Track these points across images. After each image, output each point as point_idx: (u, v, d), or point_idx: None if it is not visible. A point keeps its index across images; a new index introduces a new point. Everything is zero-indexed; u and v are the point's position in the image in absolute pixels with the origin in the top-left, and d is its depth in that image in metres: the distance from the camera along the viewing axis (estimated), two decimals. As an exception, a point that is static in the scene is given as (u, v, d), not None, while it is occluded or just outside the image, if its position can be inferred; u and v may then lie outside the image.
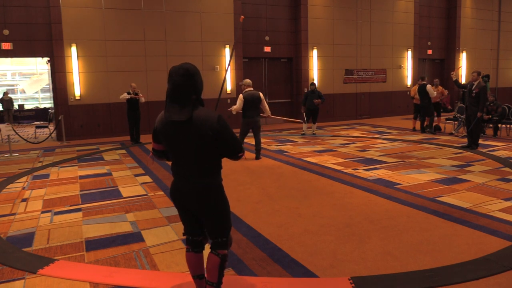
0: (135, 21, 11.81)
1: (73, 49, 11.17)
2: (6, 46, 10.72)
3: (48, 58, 11.60)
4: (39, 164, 7.98)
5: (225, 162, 2.81)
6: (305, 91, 12.91)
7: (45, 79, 19.19)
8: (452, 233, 3.94)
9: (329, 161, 7.60)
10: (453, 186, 5.64)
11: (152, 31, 12.01)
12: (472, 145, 8.50)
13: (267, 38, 13.88)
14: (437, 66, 18.08)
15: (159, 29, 12.08)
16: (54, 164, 7.93)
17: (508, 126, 10.63)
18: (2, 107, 16.50)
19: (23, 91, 21.87)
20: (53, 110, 13.07)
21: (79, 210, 4.97)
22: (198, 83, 2.47)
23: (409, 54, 16.29)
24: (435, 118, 11.37)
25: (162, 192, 5.66)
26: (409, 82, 16.43)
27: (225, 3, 12.80)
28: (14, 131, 9.70)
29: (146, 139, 10.61)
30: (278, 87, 14.64)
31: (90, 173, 7.02)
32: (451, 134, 10.80)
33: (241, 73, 13.12)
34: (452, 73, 9.19)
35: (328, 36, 14.60)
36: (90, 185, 6.17)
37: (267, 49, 13.94)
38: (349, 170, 6.76)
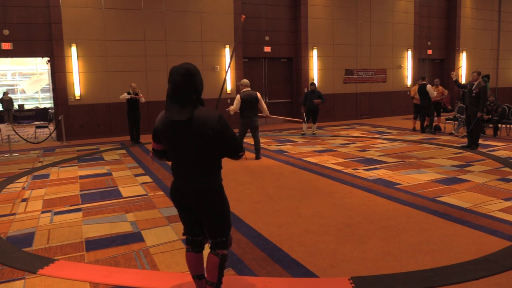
0: (135, 21, 11.81)
1: (73, 49, 11.17)
2: (6, 46, 10.72)
3: (48, 58, 11.60)
4: (39, 164, 7.98)
5: (225, 162, 2.81)
6: (305, 91, 12.91)
7: (45, 79, 19.19)
8: (452, 233, 3.94)
9: (329, 161, 7.61)
10: (453, 186, 5.64)
11: (152, 31, 12.01)
12: (472, 145, 8.50)
13: (267, 38, 13.89)
14: (437, 66, 18.08)
15: (159, 29, 12.08)
16: (54, 164, 7.93)
17: (508, 126, 10.63)
18: (2, 107, 16.50)
19: (23, 91, 21.87)
20: (53, 110, 13.07)
21: (79, 210, 4.97)
22: (199, 83, 2.47)
23: (409, 54, 16.29)
24: (435, 118, 11.37)
25: (162, 192, 5.66)
26: (409, 82, 16.43)
27: (225, 3, 12.81)
28: (14, 131, 9.70)
29: (146, 139, 10.61)
30: (278, 87, 14.64)
31: (90, 173, 7.02)
32: (451, 134, 10.80)
33: (241, 73, 13.12)
34: (452, 73, 9.19)
35: (328, 36, 14.61)
36: (90, 185, 6.17)
37: (267, 49, 13.94)
38: (349, 170, 6.76)
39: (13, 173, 7.16)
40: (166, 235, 4.06)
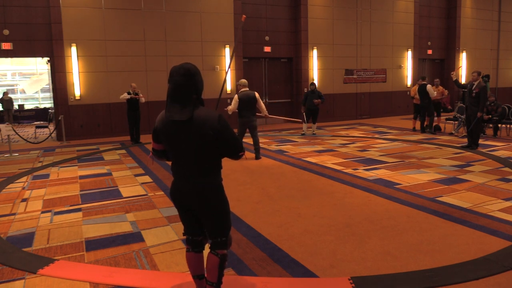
0: (135, 21, 11.82)
1: (73, 49, 11.18)
2: (6, 46, 10.72)
3: (48, 58, 11.60)
4: (39, 164, 7.98)
5: (225, 162, 2.81)
6: (305, 91, 12.92)
7: (45, 79, 19.18)
8: (452, 233, 3.94)
9: (329, 161, 7.60)
10: (453, 186, 5.64)
11: (152, 31, 12.01)
12: (472, 145, 8.50)
13: (267, 38, 13.89)
14: (437, 66, 18.08)
15: (159, 29, 12.08)
16: (54, 164, 7.93)
17: (508, 126, 10.63)
18: (2, 107, 16.50)
19: (23, 91, 21.87)
20: (53, 110, 13.07)
21: (79, 210, 4.97)
22: (199, 83, 2.47)
23: (409, 54, 16.29)
24: (435, 118, 11.37)
25: (162, 192, 5.66)
26: (409, 82, 16.43)
27: (225, 3, 12.81)
28: (14, 131, 9.70)
29: (146, 139, 10.61)
30: (278, 87, 14.64)
31: (90, 173, 7.02)
32: (451, 134, 10.80)
33: (241, 73, 13.12)
34: (452, 73, 9.19)
35: (328, 36, 14.61)
36: (90, 185, 6.17)
37: (267, 49, 13.94)
38: (349, 170, 6.76)
39: (13, 173, 7.16)
40: (166, 235, 4.06)
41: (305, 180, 6.21)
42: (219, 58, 12.92)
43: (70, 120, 11.35)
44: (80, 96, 11.42)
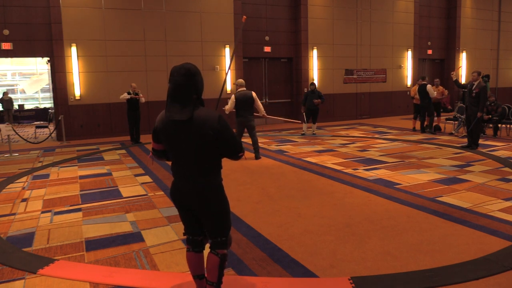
0: (135, 21, 11.82)
1: (73, 49, 11.17)
2: (6, 46, 10.72)
3: (48, 58, 11.60)
4: (39, 164, 7.98)
5: (225, 162, 2.81)
6: (305, 91, 12.91)
7: (45, 79, 19.19)
8: (452, 233, 3.94)
9: (329, 161, 7.60)
10: (453, 186, 5.64)
11: (152, 31, 12.01)
12: (472, 145, 8.50)
13: (267, 38, 13.89)
14: (437, 66, 18.08)
15: (159, 29, 12.08)
16: (54, 164, 7.93)
17: (508, 126, 10.63)
18: (2, 107, 16.50)
19: (23, 91, 21.87)
20: (53, 110, 13.07)
21: (79, 210, 4.97)
22: (199, 83, 2.47)
23: (409, 54, 16.29)
24: (435, 118, 11.37)
25: (162, 192, 5.66)
26: (409, 82, 16.43)
27: (225, 3, 12.81)
28: (14, 131, 9.70)
29: (146, 139, 10.61)
30: (278, 87, 14.64)
31: (90, 173, 7.02)
32: (451, 134, 10.80)
33: (241, 73, 13.13)
34: (452, 73, 9.19)
35: (328, 36, 14.61)
36: (90, 185, 6.17)
37: (267, 49, 13.94)
38: (349, 170, 6.76)
39: (13, 173, 7.16)
40: (166, 235, 4.06)
41: (305, 180, 6.21)
42: (219, 58, 12.92)
43: (70, 120, 11.35)
44: (80, 96, 11.42)
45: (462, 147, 8.64)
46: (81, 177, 6.76)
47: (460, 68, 17.40)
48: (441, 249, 3.57)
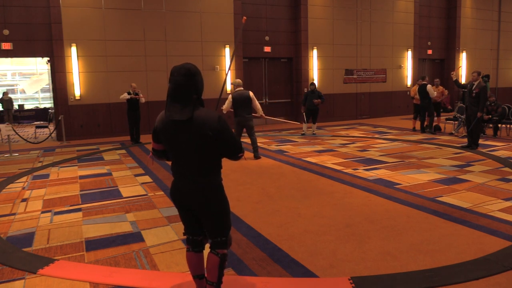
0: (135, 21, 11.82)
1: (73, 49, 11.18)
2: (6, 46, 10.72)
3: (48, 58, 11.60)
4: (39, 164, 7.98)
5: (225, 162, 2.81)
6: (305, 91, 12.91)
7: (45, 79, 19.19)
8: (452, 233, 3.94)
9: (329, 161, 7.60)
10: (453, 186, 5.64)
11: (152, 31, 12.01)
12: (472, 145, 8.50)
13: (267, 38, 13.88)
14: (437, 66, 18.08)
15: (159, 29, 12.08)
16: (54, 164, 7.93)
17: (508, 126, 10.63)
18: (2, 107, 16.50)
19: (23, 91, 21.87)
20: (53, 110, 13.07)
21: (79, 210, 4.97)
22: (199, 83, 2.48)
23: (409, 54, 16.29)
24: (435, 118, 11.37)
25: (162, 192, 5.66)
26: (409, 82, 16.43)
27: (225, 3, 12.80)
28: (14, 131, 9.70)
29: (146, 139, 10.61)
30: (278, 87, 14.64)
31: (90, 173, 7.02)
32: (451, 134, 10.80)
33: (241, 73, 13.13)
34: (452, 73, 9.20)
35: (328, 36, 14.61)
36: (90, 185, 6.17)
37: (267, 49, 13.94)
38: (349, 170, 6.76)
39: (13, 173, 7.16)
40: (166, 235, 4.06)
41: (305, 180, 6.21)
42: (219, 58, 12.92)
43: (70, 120, 11.35)
44: (80, 96, 11.42)
45: (462, 147, 8.64)
46: (81, 177, 6.77)
47: (460, 68, 17.40)
48: (441, 249, 3.57)
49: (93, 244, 3.87)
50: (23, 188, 6.12)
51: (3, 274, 3.30)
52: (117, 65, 11.69)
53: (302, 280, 3.09)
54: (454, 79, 9.05)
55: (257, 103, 7.88)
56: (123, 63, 11.76)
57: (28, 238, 4.07)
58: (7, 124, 9.84)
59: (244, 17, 5.18)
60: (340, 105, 15.09)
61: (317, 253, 3.55)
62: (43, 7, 10.96)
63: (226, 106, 7.89)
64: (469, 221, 4.23)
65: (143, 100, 10.40)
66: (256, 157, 7.92)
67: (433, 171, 6.54)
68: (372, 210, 4.66)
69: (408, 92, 15.71)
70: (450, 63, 17.63)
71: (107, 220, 4.56)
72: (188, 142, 2.42)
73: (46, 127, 13.83)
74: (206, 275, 2.67)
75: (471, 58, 17.98)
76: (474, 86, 8.39)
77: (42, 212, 4.91)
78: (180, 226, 3.96)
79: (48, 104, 19.91)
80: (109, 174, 6.95)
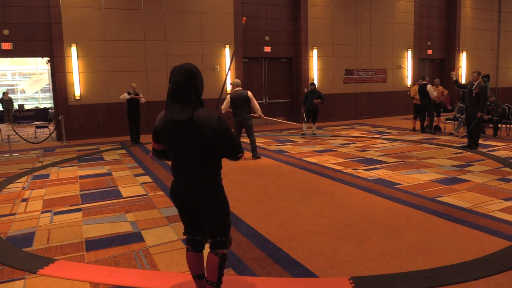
0: (135, 21, 11.82)
1: (73, 49, 11.18)
2: (6, 46, 10.72)
3: (48, 58, 11.60)
4: (39, 164, 7.98)
5: (225, 162, 2.81)
6: (305, 91, 12.91)
7: (45, 79, 19.18)
8: (452, 233, 3.94)
9: (329, 161, 7.60)
10: (453, 186, 5.64)
11: (152, 31, 12.01)
12: (472, 145, 8.50)
13: (267, 38, 13.88)
14: (437, 66, 18.08)
15: (159, 29, 12.08)
16: (54, 164, 7.93)
17: (508, 126, 10.63)
18: (2, 107, 16.50)
19: (23, 91, 21.87)
20: (53, 110, 13.07)
21: (79, 210, 4.97)
22: (199, 83, 2.48)
23: (409, 54, 16.29)
24: (435, 118, 11.37)
25: (162, 192, 5.66)
26: (409, 82, 16.43)
27: (225, 3, 12.81)
28: (14, 131, 9.70)
29: (146, 139, 10.61)
30: (278, 87, 14.64)
31: (90, 173, 7.02)
32: (451, 134, 10.80)
33: (241, 73, 13.13)
34: (452, 73, 9.20)
35: (328, 36, 14.61)
36: (90, 185, 6.17)
37: (267, 49, 13.94)
38: (349, 170, 6.76)
39: (13, 173, 7.16)
40: (166, 235, 4.06)
41: (305, 180, 6.21)
42: (219, 58, 12.92)
43: (70, 120, 11.35)
44: (80, 96, 11.42)
45: (462, 147, 8.64)
46: (81, 177, 6.76)
47: (460, 68, 17.40)
48: (441, 249, 3.57)
49: (93, 244, 3.87)
50: (23, 188, 6.12)
51: (3, 274, 3.30)
52: (117, 65, 11.69)
53: (302, 280, 3.09)
54: (454, 79, 9.05)
55: (255, 103, 7.86)
56: (123, 63, 11.76)
57: (28, 238, 4.07)
58: (7, 124, 9.84)
59: (244, 18, 5.18)
60: (340, 105, 15.09)
61: (317, 253, 3.55)
62: (43, 7, 10.96)
63: (225, 106, 7.91)
64: (469, 221, 4.23)
65: (143, 100, 10.40)
66: (255, 157, 7.92)
67: (433, 171, 6.54)
68: (372, 210, 4.66)
69: (408, 92, 15.71)
70: (450, 63, 17.63)
71: (107, 220, 4.56)
72: (188, 142, 2.42)
73: (46, 127, 13.83)
74: (206, 275, 2.67)
75: (471, 58, 17.98)
76: (474, 86, 8.39)
77: (42, 212, 4.91)
78: (180, 226, 3.96)
79: (48, 104, 19.92)
80: (109, 174, 6.95)
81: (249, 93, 7.78)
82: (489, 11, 18.36)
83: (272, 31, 13.96)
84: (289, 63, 14.70)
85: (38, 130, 13.69)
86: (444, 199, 5.03)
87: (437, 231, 4.00)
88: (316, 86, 11.86)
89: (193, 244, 2.69)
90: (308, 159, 7.87)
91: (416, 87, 11.40)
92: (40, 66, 20.30)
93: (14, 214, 4.89)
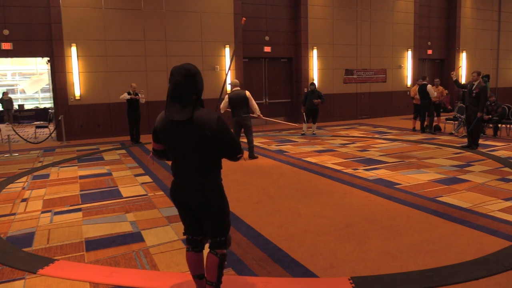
0: (135, 21, 11.82)
1: (73, 49, 11.18)
2: (6, 46, 10.72)
3: (48, 58, 11.60)
4: (39, 164, 7.98)
5: (225, 162, 2.81)
6: (305, 91, 12.91)
7: (45, 79, 19.19)
8: (452, 233, 3.94)
9: (329, 161, 7.60)
10: (453, 186, 5.64)
11: (152, 31, 12.01)
12: (472, 145, 8.50)
13: (267, 38, 13.89)
14: (437, 66, 18.08)
15: (159, 29, 12.08)
16: (54, 164, 7.93)
17: (508, 126, 10.63)
18: (2, 107, 16.50)
19: (23, 91, 21.87)
20: (53, 110, 13.07)
21: (79, 210, 4.97)
22: (199, 83, 2.48)
23: (409, 54, 16.29)
24: (435, 118, 11.37)
25: (162, 192, 5.66)
26: (409, 82, 16.43)
27: (225, 3, 12.81)
28: (14, 131, 9.70)
29: (146, 139, 10.61)
30: (278, 87, 14.64)
31: (90, 173, 7.02)
32: (451, 134, 10.80)
33: (241, 73, 13.12)
34: (452, 73, 9.20)
35: (328, 36, 14.61)
36: (90, 185, 6.17)
37: (267, 49, 13.94)
38: (349, 170, 6.76)
39: (13, 173, 7.16)
40: (166, 235, 4.06)
41: (305, 180, 6.21)
42: (219, 58, 12.92)
43: (70, 120, 11.35)
44: (80, 96, 11.42)
45: (462, 147, 8.64)
46: (81, 177, 6.76)
47: (460, 68, 17.40)
48: (441, 249, 3.57)
49: (93, 244, 3.87)
50: (23, 188, 6.12)
51: (3, 274, 3.30)
52: (117, 65, 11.69)
53: (302, 280, 3.09)
54: (454, 79, 9.04)
55: (254, 103, 7.84)
56: (123, 63, 11.76)
57: (28, 238, 4.07)
58: (7, 124, 9.84)
59: (244, 18, 5.18)
60: (340, 105, 15.09)
61: (317, 253, 3.55)
62: (43, 7, 10.96)
63: (223, 105, 7.92)
64: (469, 221, 4.23)
65: (143, 100, 10.41)
66: (252, 157, 7.90)
67: (433, 171, 6.54)
68: (372, 210, 4.66)
69: (408, 92, 15.71)
70: (450, 63, 17.63)
71: (107, 220, 4.56)
72: (188, 142, 2.42)
73: (46, 127, 13.83)
74: (205, 275, 2.67)
75: (471, 58, 17.98)
76: (474, 86, 8.39)
77: (42, 212, 4.91)
78: (180, 226, 3.96)
79: (48, 104, 19.92)
80: (109, 174, 6.95)
81: (247, 93, 7.78)
82: (489, 11, 18.36)
83: (272, 31, 13.96)
84: (289, 63, 14.70)
85: (38, 130, 13.70)
86: (444, 199, 5.03)
87: (437, 231, 4.00)
88: (316, 86, 11.87)
89: (193, 244, 2.69)
90: (308, 159, 7.87)
91: (416, 87, 11.40)
92: (40, 66, 20.30)
93: (14, 214, 4.89)
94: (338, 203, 4.97)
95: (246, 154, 8.01)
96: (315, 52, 14.31)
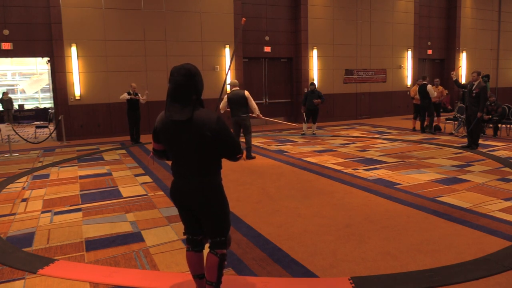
0: (135, 21, 11.82)
1: (73, 49, 11.18)
2: (6, 46, 10.72)
3: (48, 58, 11.60)
4: (39, 164, 7.98)
5: (225, 162, 2.81)
6: (305, 91, 12.91)
7: (45, 79, 19.19)
8: (452, 233, 3.94)
9: (329, 161, 7.60)
10: (453, 186, 5.64)
11: (152, 31, 12.01)
12: (472, 145, 8.50)
13: (267, 38, 13.89)
14: (437, 66, 18.08)
15: (159, 29, 12.08)
16: (54, 164, 7.93)
17: (508, 126, 10.63)
18: (2, 107, 16.50)
19: (23, 91, 21.87)
20: (53, 110, 13.07)
21: (79, 210, 4.97)
22: (199, 84, 2.48)
23: (409, 54, 16.29)
24: (435, 118, 11.37)
25: (162, 192, 5.66)
26: (409, 82, 16.43)
27: (225, 3, 12.81)
28: (14, 131, 9.70)
29: (146, 139, 10.61)
30: (278, 87, 14.64)
31: (90, 173, 7.02)
32: (451, 134, 10.80)
33: (241, 73, 13.12)
34: (452, 73, 9.20)
35: (328, 36, 14.61)
36: (90, 185, 6.17)
37: (267, 49, 13.94)
38: (349, 170, 6.76)
39: (13, 173, 7.16)
40: (166, 235, 4.06)
41: (305, 180, 6.21)
42: (219, 58, 12.92)
43: (70, 120, 11.35)
44: (80, 96, 11.42)
45: (462, 147, 8.64)
46: (81, 177, 6.76)
47: (460, 68, 17.40)
48: (441, 249, 3.57)
49: (93, 244, 3.87)
50: (23, 188, 6.12)
51: (3, 274, 3.30)
52: (117, 65, 11.70)
53: (302, 280, 3.09)
54: (454, 79, 9.04)
55: (253, 103, 7.82)
56: (123, 63, 11.76)
57: (28, 238, 4.07)
58: (7, 124, 9.83)
59: (244, 18, 5.19)
60: (340, 105, 15.09)
61: (317, 253, 3.55)
62: (43, 7, 10.96)
63: (222, 105, 7.90)
64: (469, 221, 4.23)
65: (144, 101, 10.42)
66: (249, 157, 7.88)
67: (433, 171, 6.54)
68: (372, 210, 4.67)
69: (408, 92, 15.71)
70: (450, 63, 17.63)
71: (107, 220, 4.56)
72: (188, 142, 2.42)
73: (46, 127, 13.84)
74: (205, 275, 2.67)
75: (471, 58, 17.98)
76: (474, 86, 8.39)
77: (42, 212, 4.91)
78: (180, 226, 3.96)
79: (48, 104, 19.92)
80: (109, 174, 6.95)
81: (246, 93, 7.76)
82: (489, 11, 18.36)
83: (272, 31, 13.96)
84: (289, 63, 14.70)
85: (38, 130, 13.70)
86: (444, 199, 5.03)
87: (437, 231, 4.00)
88: (316, 86, 11.87)
89: (193, 244, 2.69)
90: (308, 159, 7.87)
91: (416, 87, 11.40)
92: (40, 66, 20.30)
93: (14, 214, 4.89)
94: (338, 203, 4.97)
95: (245, 154, 8.00)
96: (315, 52, 14.31)
